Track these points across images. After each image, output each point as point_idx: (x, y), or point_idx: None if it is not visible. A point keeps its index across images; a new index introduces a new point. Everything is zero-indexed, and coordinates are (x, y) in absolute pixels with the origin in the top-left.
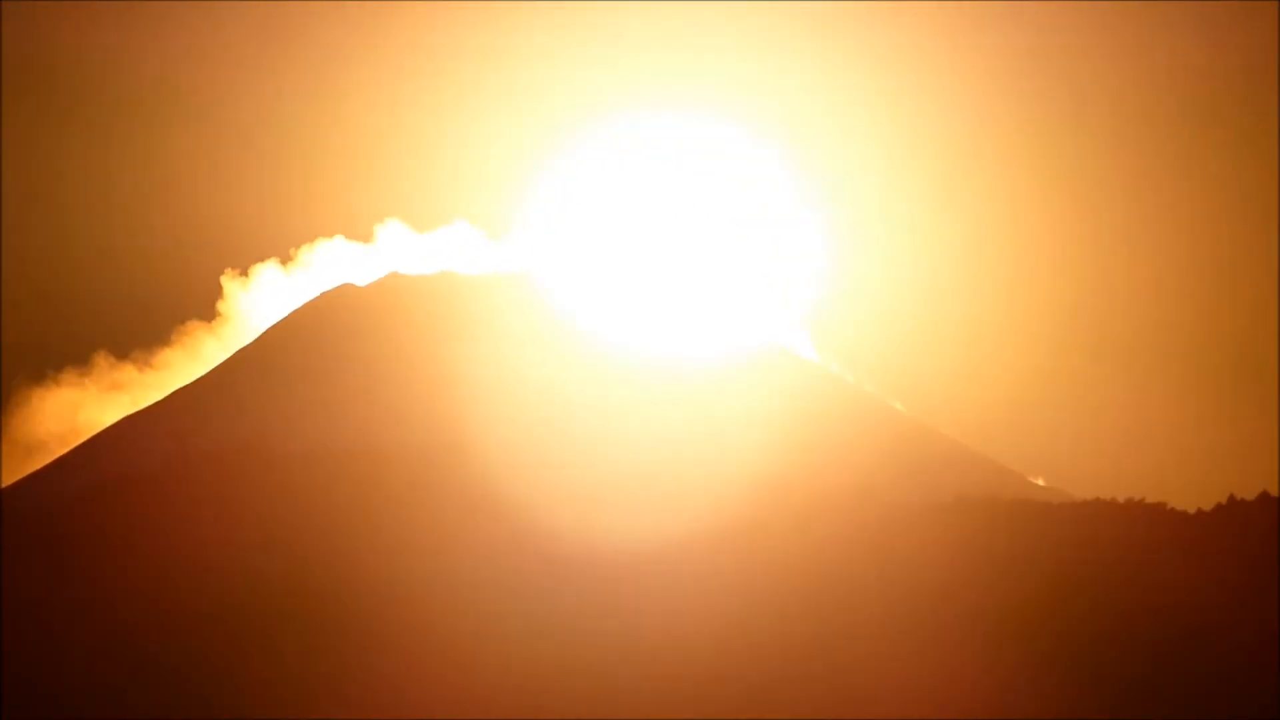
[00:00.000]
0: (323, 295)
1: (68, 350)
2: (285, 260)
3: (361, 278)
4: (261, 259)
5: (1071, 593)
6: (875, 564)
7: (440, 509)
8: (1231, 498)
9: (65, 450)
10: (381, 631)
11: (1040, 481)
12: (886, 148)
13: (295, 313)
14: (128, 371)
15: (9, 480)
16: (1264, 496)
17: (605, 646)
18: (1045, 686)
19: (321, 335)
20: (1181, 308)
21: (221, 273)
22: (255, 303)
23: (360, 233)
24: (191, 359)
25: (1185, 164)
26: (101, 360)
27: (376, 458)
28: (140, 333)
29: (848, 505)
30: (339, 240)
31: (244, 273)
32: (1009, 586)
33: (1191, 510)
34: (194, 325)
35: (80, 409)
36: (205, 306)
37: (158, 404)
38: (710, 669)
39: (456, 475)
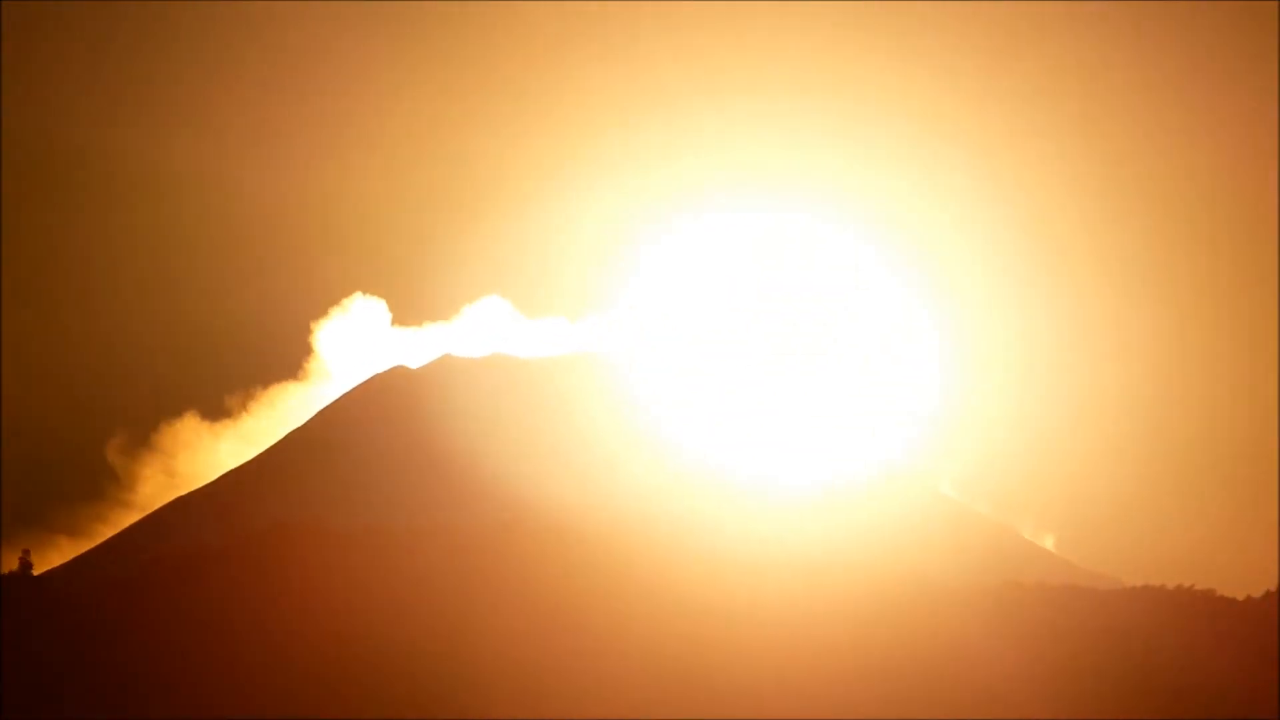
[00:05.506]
0: (375, 377)
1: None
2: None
3: (414, 360)
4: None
5: (1122, 676)
6: (925, 645)
7: (495, 586)
8: None
9: (115, 531)
10: (441, 700)
11: (1079, 563)
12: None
13: (348, 394)
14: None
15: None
16: None
17: (674, 690)
18: None
19: (374, 416)
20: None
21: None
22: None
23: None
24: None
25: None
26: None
27: (428, 537)
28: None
29: (899, 587)
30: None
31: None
32: (1060, 670)
33: (1240, 597)
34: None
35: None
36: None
37: (208, 485)
38: None
39: (509, 554)
